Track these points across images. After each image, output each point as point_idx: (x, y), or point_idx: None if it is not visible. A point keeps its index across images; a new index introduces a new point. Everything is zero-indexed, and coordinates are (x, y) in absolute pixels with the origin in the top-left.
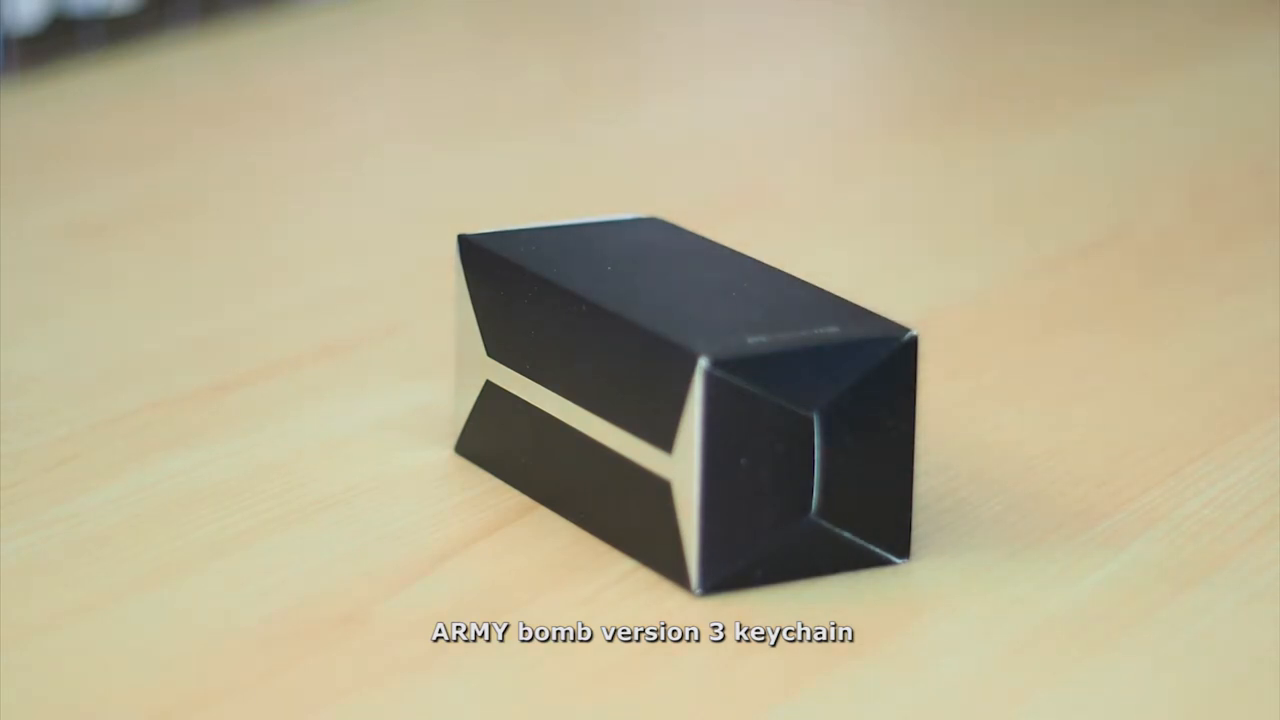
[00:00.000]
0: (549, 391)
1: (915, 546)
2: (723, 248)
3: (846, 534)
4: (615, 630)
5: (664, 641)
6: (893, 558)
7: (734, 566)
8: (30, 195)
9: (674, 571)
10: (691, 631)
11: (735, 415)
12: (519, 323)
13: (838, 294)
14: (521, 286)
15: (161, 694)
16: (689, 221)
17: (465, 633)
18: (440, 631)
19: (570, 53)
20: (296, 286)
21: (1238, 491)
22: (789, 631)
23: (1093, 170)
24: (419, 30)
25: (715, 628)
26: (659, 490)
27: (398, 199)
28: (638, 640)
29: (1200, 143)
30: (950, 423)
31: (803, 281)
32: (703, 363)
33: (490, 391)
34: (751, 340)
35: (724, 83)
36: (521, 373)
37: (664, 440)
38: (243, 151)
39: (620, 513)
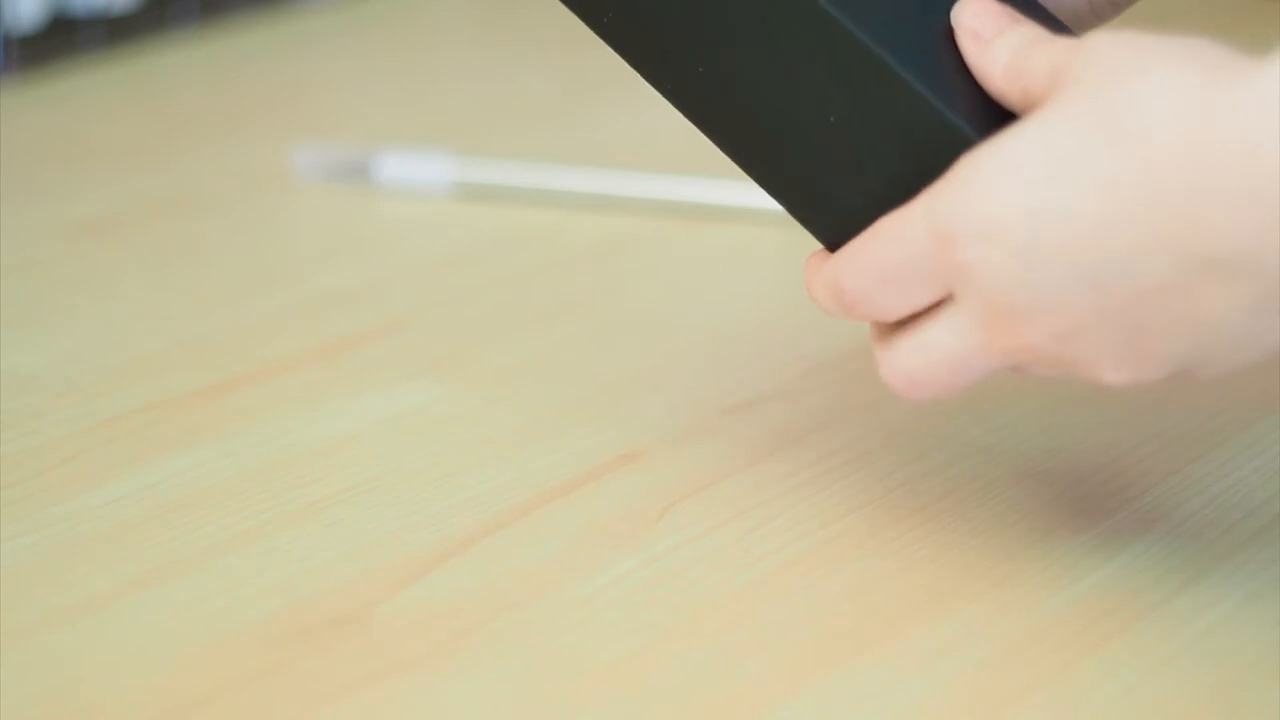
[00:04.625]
0: None
1: (915, 546)
2: None
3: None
4: (615, 630)
5: (663, 641)
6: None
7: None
8: (30, 195)
9: None
10: (691, 631)
11: None
12: None
13: None
14: None
15: (161, 693)
16: (692, 221)
17: (465, 633)
18: (440, 631)
19: (571, 51)
20: (296, 286)
21: (1238, 491)
22: (788, 631)
23: None
24: (419, 31)
25: (715, 627)
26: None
27: (398, 199)
28: (637, 640)
29: None
30: (950, 423)
31: None
32: None
33: None
34: None
35: None
36: None
37: None
38: (242, 151)
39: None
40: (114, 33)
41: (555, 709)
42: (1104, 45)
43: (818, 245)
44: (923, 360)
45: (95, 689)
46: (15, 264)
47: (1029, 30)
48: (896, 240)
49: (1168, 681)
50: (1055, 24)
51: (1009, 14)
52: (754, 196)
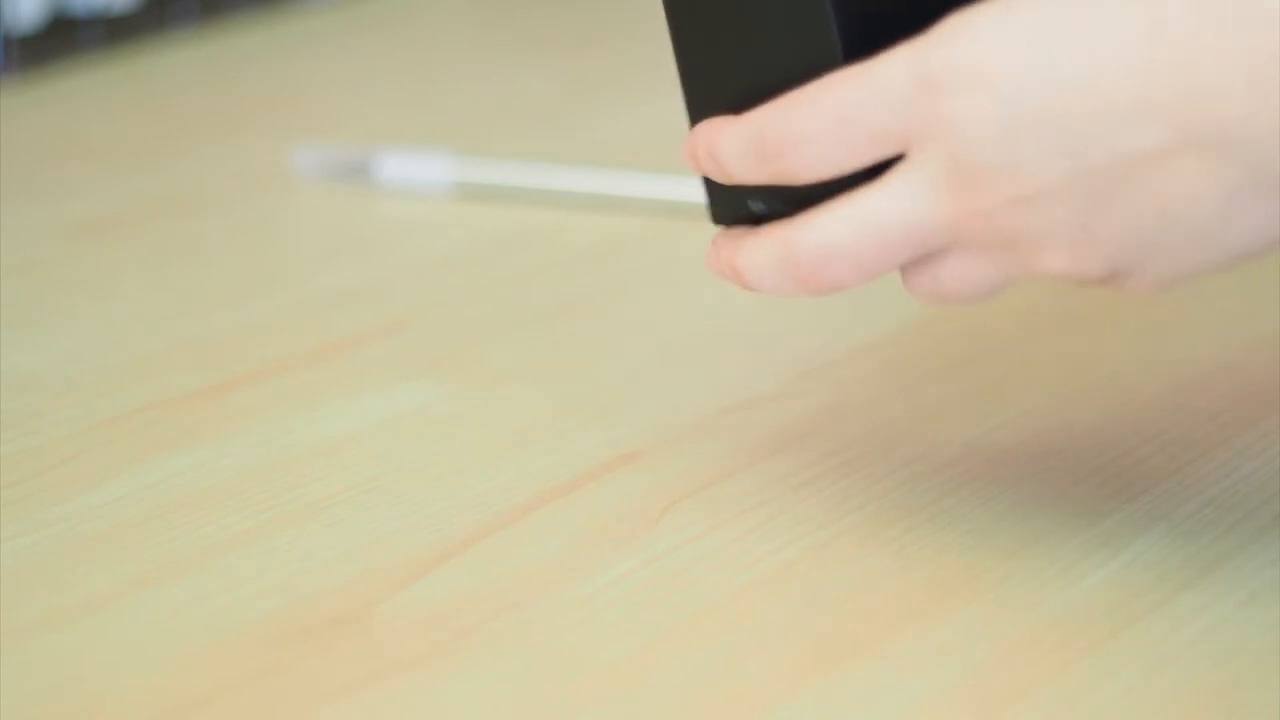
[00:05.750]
0: None
1: (915, 546)
2: None
3: None
4: (615, 630)
5: (663, 641)
6: None
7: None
8: (30, 195)
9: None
10: (691, 631)
11: None
12: None
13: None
14: None
15: (161, 693)
16: (691, 221)
17: (465, 633)
18: (440, 631)
19: (571, 51)
20: (296, 286)
21: (1238, 491)
22: (788, 631)
23: None
24: (419, 31)
25: (715, 627)
26: None
27: (398, 199)
28: (637, 640)
29: None
30: (950, 423)
31: None
32: None
33: None
34: None
35: None
36: None
37: None
38: (242, 151)
39: None
40: (114, 33)
41: (555, 709)
42: None
43: None
44: (852, 231)
45: (95, 689)
46: (15, 264)
47: None
48: (864, 84)
49: (1168, 681)
50: None
51: None
52: None
